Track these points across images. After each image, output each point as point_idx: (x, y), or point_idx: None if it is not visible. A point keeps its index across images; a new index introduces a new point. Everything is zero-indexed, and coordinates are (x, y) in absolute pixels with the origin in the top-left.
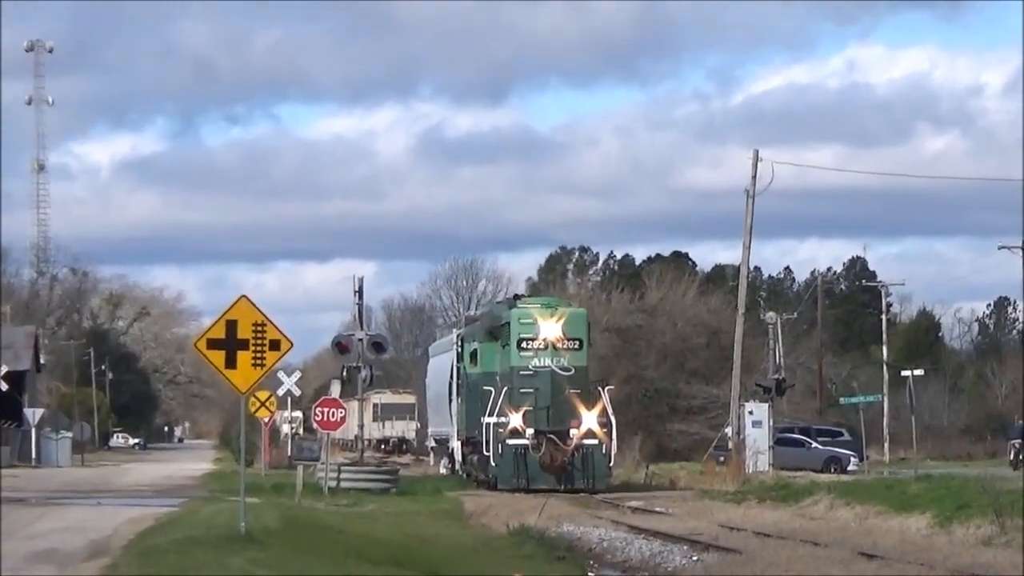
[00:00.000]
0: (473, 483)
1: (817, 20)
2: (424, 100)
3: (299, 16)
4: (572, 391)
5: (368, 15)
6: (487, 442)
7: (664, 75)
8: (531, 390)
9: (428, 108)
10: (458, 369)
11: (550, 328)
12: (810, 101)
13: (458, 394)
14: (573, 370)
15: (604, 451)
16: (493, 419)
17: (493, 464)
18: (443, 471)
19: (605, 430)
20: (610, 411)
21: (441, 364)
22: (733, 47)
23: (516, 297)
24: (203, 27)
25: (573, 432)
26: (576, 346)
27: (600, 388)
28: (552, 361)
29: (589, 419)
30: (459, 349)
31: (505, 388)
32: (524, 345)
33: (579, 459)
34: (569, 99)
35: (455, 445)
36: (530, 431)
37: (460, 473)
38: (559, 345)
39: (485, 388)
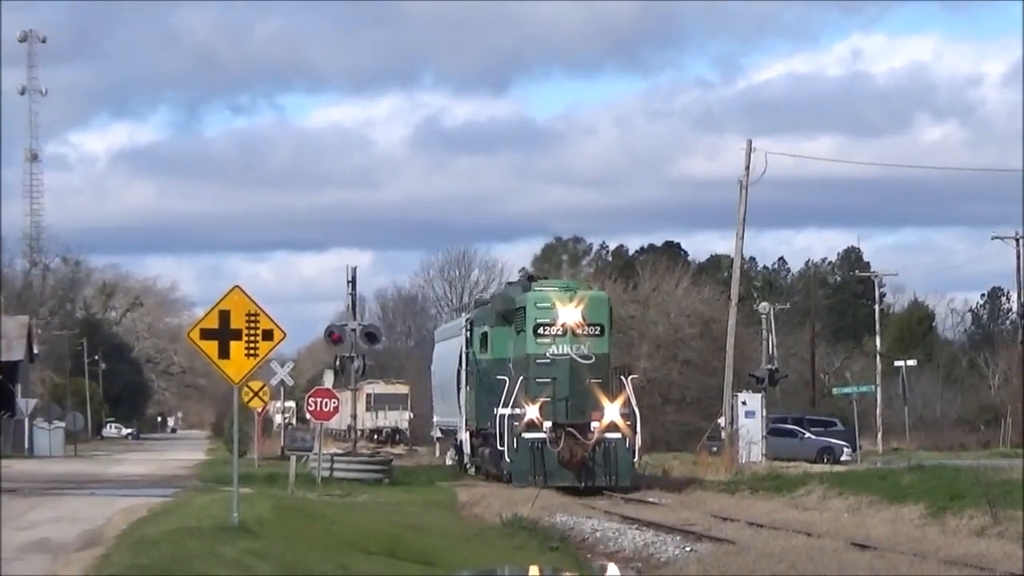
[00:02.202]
0: (482, 477)
1: (823, 9)
2: (426, 90)
3: (302, 5)
4: (593, 381)
5: (371, 5)
6: (501, 435)
7: (666, 64)
8: (549, 380)
9: (430, 98)
10: (467, 355)
11: (569, 313)
12: (810, 90)
13: (467, 382)
14: (594, 358)
15: (628, 445)
16: (507, 411)
17: (507, 459)
18: (450, 463)
19: (629, 423)
20: (634, 402)
21: (448, 350)
22: (737, 36)
23: (531, 279)
24: (205, 17)
25: (594, 425)
26: (597, 332)
27: (623, 377)
28: (571, 348)
29: (611, 411)
30: (468, 334)
31: (520, 377)
32: (541, 331)
33: (600, 454)
34: (571, 89)
35: (463, 436)
36: (548, 424)
37: (468, 466)
38: (579, 331)
39: (498, 377)
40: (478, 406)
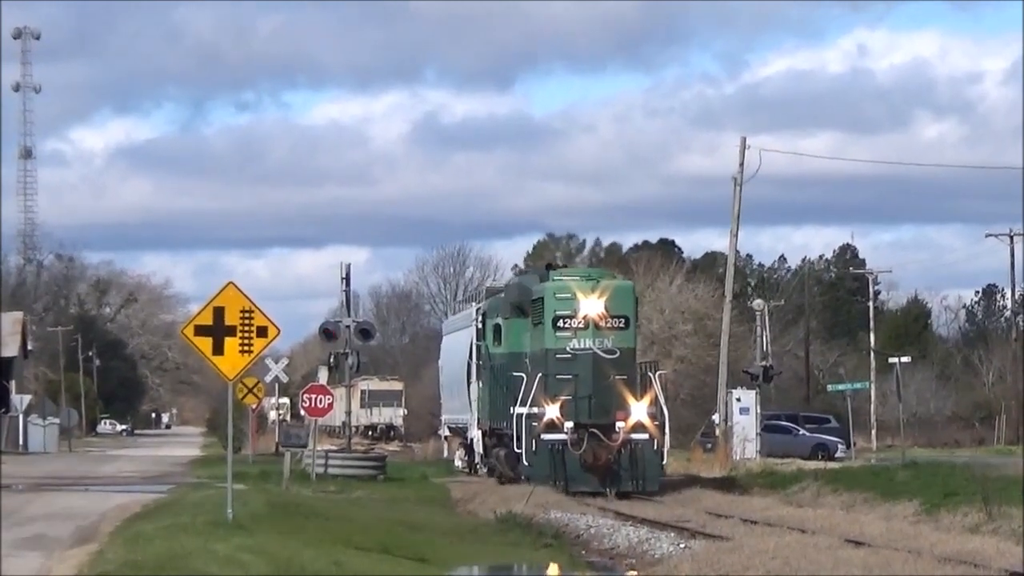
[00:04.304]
0: (496, 478)
1: (829, 7)
2: (429, 87)
3: (305, 2)
4: (618, 377)
5: (376, 1)
6: (518, 437)
7: (670, 60)
8: (570, 376)
9: (433, 95)
10: (478, 348)
11: (591, 304)
12: (810, 87)
13: (478, 377)
14: (619, 352)
15: (656, 447)
16: (525, 409)
17: (525, 463)
18: (459, 464)
19: (656, 423)
20: (662, 400)
21: (457, 342)
22: (742, 32)
23: (549, 267)
24: (207, 13)
25: (620, 425)
26: (622, 324)
27: (651, 373)
28: (594, 342)
29: (638, 410)
30: (479, 325)
31: (539, 374)
32: (561, 324)
33: (626, 457)
34: (575, 86)
35: (475, 435)
36: (569, 424)
37: (480, 467)
38: (602, 324)
39: (514, 373)
40: (491, 403)
